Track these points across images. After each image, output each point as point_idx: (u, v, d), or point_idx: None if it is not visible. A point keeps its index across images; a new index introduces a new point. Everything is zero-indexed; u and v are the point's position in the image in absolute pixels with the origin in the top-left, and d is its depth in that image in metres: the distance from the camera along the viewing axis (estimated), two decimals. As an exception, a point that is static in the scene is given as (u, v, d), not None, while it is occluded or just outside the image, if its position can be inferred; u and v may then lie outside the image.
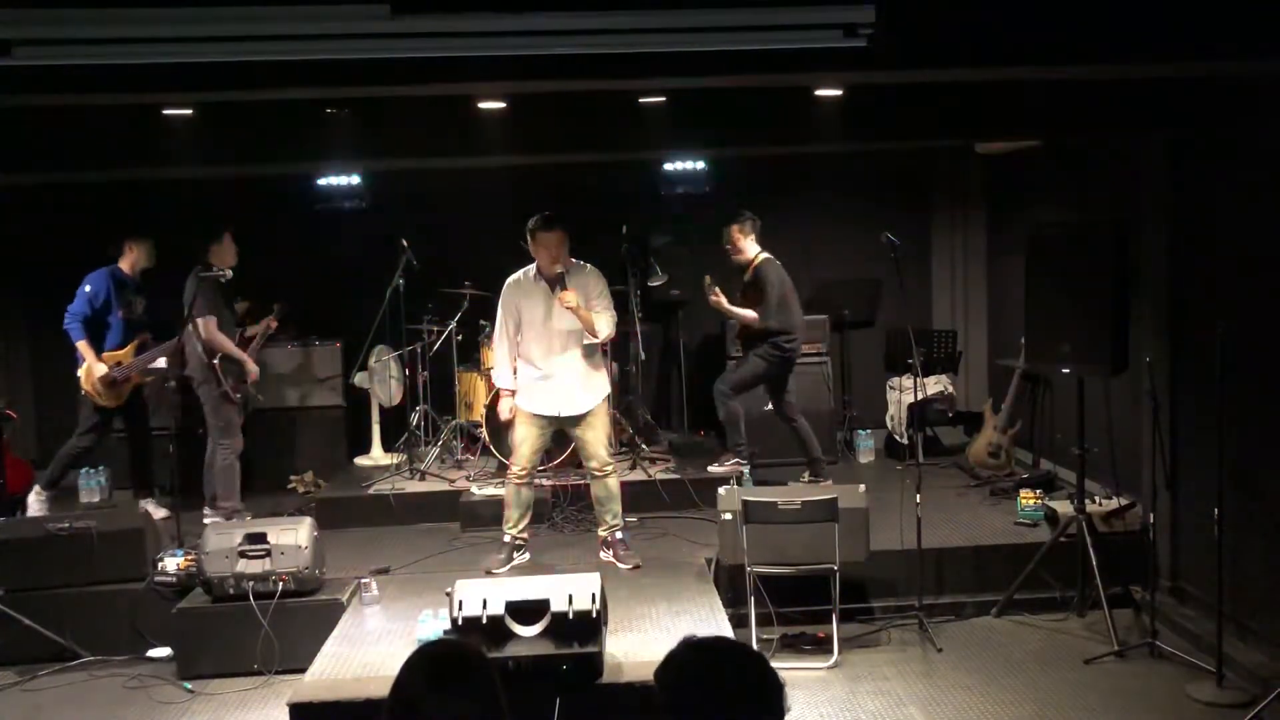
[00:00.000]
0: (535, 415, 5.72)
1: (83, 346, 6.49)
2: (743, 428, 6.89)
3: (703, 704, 2.01)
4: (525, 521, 5.83)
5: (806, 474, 6.83)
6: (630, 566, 5.73)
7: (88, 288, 6.52)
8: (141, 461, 6.99)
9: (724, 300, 6.80)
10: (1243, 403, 4.83)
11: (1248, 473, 4.92)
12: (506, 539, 5.80)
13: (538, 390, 5.71)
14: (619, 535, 5.87)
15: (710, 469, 6.98)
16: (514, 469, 5.79)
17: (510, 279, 5.79)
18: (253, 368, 6.60)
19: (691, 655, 2.08)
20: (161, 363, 6.51)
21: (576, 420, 5.73)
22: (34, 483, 6.75)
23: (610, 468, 5.82)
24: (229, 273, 6.43)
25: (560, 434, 5.97)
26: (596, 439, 5.75)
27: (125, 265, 6.71)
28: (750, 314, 6.74)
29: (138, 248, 6.71)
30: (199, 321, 6.32)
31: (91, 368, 6.50)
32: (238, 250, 6.56)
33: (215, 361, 6.38)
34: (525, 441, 5.73)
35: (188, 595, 5.36)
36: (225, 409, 6.49)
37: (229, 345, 6.46)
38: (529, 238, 5.64)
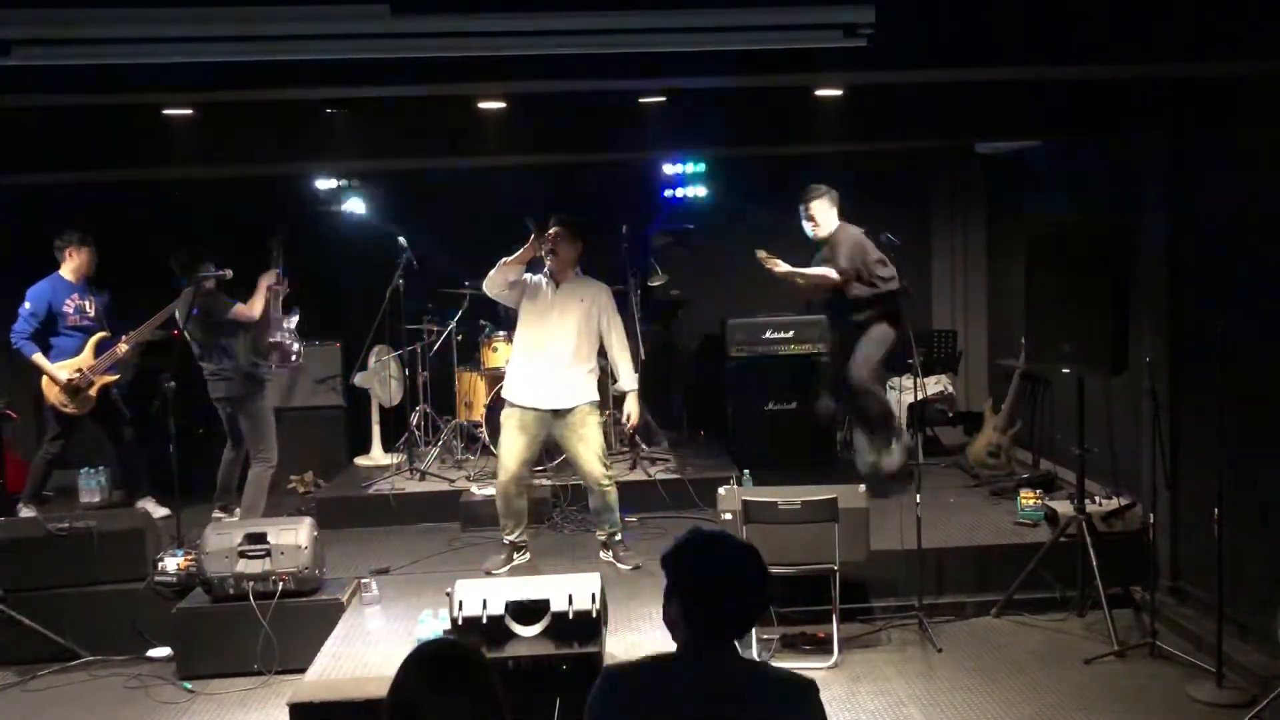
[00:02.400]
0: (522, 412, 5.62)
1: (38, 360, 6.47)
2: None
3: (699, 579, 2.31)
4: (522, 528, 5.78)
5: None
6: (630, 567, 5.73)
7: (28, 305, 6.49)
8: (129, 462, 6.98)
9: (784, 264, 6.39)
10: (1243, 403, 4.83)
11: (1248, 473, 4.91)
12: (505, 541, 5.79)
13: (526, 382, 5.66)
14: (618, 537, 5.87)
15: (886, 466, 6.50)
16: (500, 478, 5.69)
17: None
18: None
19: (696, 540, 2.38)
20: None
21: (565, 424, 5.63)
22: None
23: (608, 483, 5.73)
24: (229, 272, 6.41)
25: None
26: (589, 452, 5.65)
27: (68, 272, 6.67)
28: (827, 271, 6.39)
29: (79, 253, 6.67)
30: (236, 307, 6.29)
31: (53, 378, 6.50)
32: None
33: (271, 340, 6.42)
34: (512, 450, 5.62)
35: (188, 595, 5.36)
36: (266, 420, 6.46)
37: (259, 310, 6.44)
38: None
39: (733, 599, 2.30)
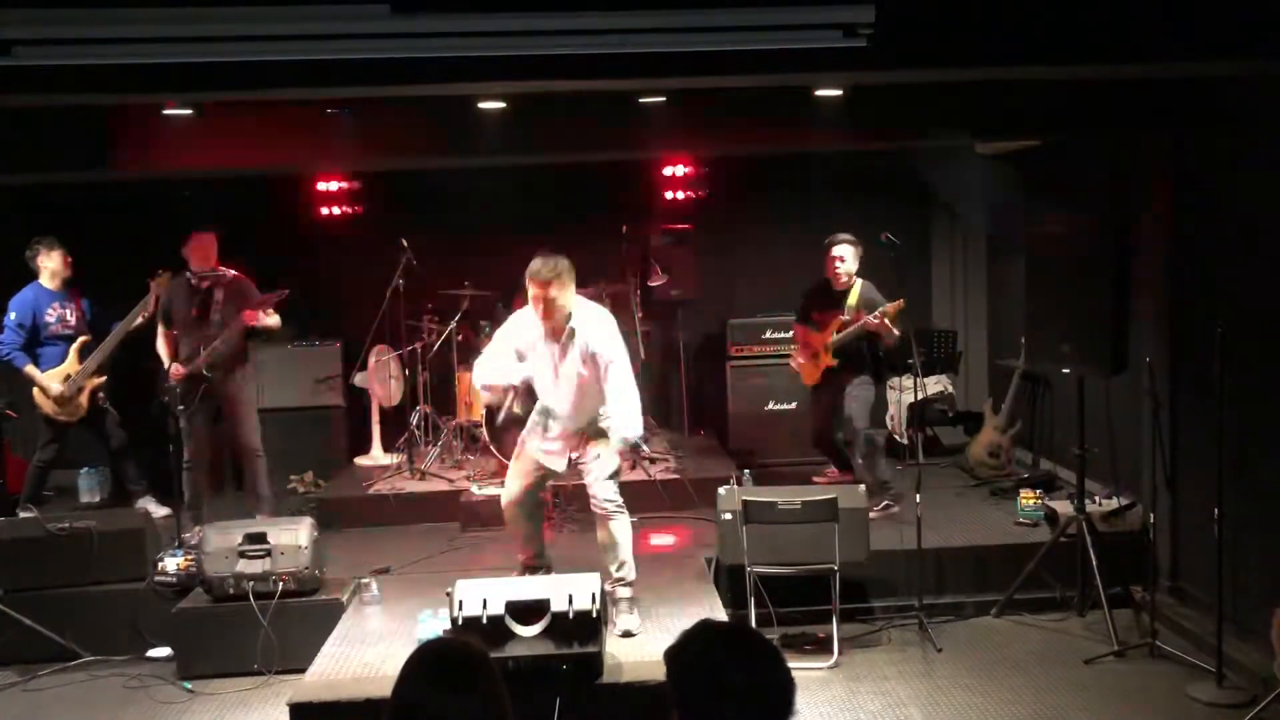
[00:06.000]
0: (532, 458, 5.08)
1: (30, 371, 6.50)
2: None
3: (708, 697, 1.98)
4: (539, 546, 5.29)
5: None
6: (620, 632, 4.78)
7: (13, 315, 6.52)
8: (122, 465, 6.97)
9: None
10: (1243, 403, 4.83)
11: (1248, 473, 4.92)
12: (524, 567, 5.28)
13: (539, 435, 5.06)
14: (622, 592, 4.96)
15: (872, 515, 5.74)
16: (503, 500, 5.20)
17: (516, 314, 5.12)
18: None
19: (702, 645, 2.05)
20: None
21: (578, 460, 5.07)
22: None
23: (614, 507, 4.93)
24: (229, 272, 6.41)
25: None
26: (599, 470, 4.93)
27: (47, 279, 6.66)
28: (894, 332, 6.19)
29: (50, 257, 6.64)
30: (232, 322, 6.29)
31: (45, 389, 6.51)
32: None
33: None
34: (518, 478, 5.11)
35: (188, 595, 5.36)
36: (252, 407, 6.55)
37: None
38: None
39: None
